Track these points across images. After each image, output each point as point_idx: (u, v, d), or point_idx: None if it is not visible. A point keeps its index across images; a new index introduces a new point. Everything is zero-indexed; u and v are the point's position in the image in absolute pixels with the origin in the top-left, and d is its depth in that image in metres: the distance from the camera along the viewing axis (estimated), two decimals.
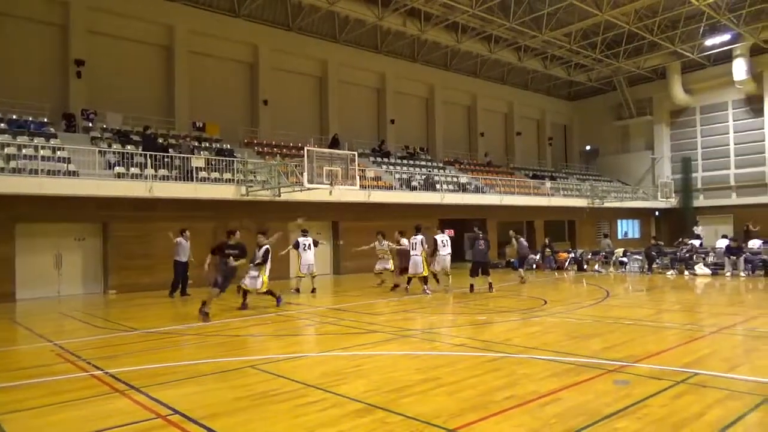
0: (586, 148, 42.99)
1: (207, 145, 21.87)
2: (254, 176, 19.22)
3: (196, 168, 18.82)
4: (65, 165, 16.39)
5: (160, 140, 20.40)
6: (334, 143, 24.78)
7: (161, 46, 23.11)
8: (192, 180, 18.19)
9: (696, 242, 23.05)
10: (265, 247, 12.05)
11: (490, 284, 14.60)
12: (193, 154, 19.66)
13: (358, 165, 18.73)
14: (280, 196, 19.02)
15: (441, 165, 30.24)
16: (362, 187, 20.69)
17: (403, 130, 31.31)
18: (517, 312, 11.23)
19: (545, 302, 12.35)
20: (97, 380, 6.38)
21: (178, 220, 16.81)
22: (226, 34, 24.46)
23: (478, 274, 14.57)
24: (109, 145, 18.49)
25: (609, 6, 25.56)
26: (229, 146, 22.03)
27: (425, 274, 14.53)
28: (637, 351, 7.17)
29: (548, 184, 32.85)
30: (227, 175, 19.28)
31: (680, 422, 4.47)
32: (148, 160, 17.79)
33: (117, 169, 17.33)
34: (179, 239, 15.23)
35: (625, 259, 21.52)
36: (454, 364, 6.77)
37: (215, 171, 19.40)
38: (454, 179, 28.12)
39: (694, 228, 30.21)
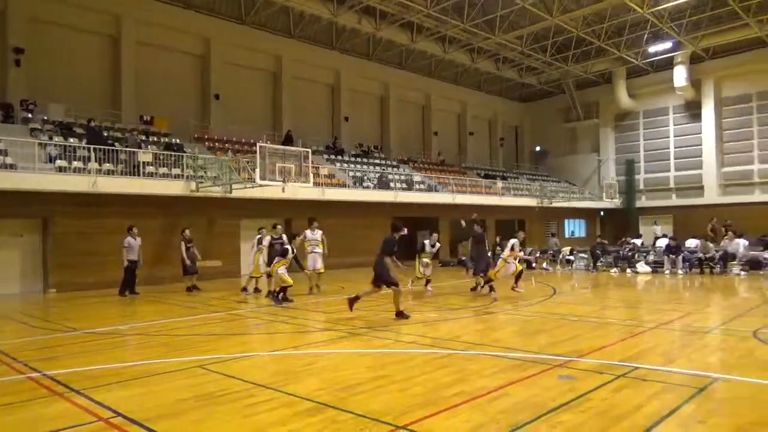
0: (536, 149, 44.01)
1: (155, 139, 21.22)
2: (205, 172, 18.81)
3: (144, 162, 18.24)
4: (2, 158, 15.61)
5: (105, 133, 19.69)
6: (288, 140, 24.53)
7: (107, 35, 22.26)
8: (139, 175, 17.66)
9: (638, 241, 23.99)
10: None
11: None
12: (140, 149, 19.07)
13: (312, 162, 18.63)
14: (231, 192, 18.73)
15: (395, 163, 30.37)
16: (316, 184, 20.61)
17: (358, 128, 31.27)
18: (468, 309, 11.40)
19: (495, 300, 12.57)
20: (34, 383, 6.11)
21: (125, 217, 16.30)
22: (177, 26, 23.81)
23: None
24: (50, 138, 17.70)
25: (559, 11, 26.29)
26: (178, 141, 21.45)
27: (493, 276, 13.23)
28: (581, 346, 7.39)
29: (499, 183, 33.48)
30: (176, 171, 18.79)
31: (620, 415, 4.64)
32: (92, 154, 17.13)
33: (59, 162, 16.62)
34: (127, 239, 14.77)
35: (571, 258, 22.20)
36: (404, 361, 6.82)
37: (164, 166, 18.85)
38: (408, 177, 28.30)
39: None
